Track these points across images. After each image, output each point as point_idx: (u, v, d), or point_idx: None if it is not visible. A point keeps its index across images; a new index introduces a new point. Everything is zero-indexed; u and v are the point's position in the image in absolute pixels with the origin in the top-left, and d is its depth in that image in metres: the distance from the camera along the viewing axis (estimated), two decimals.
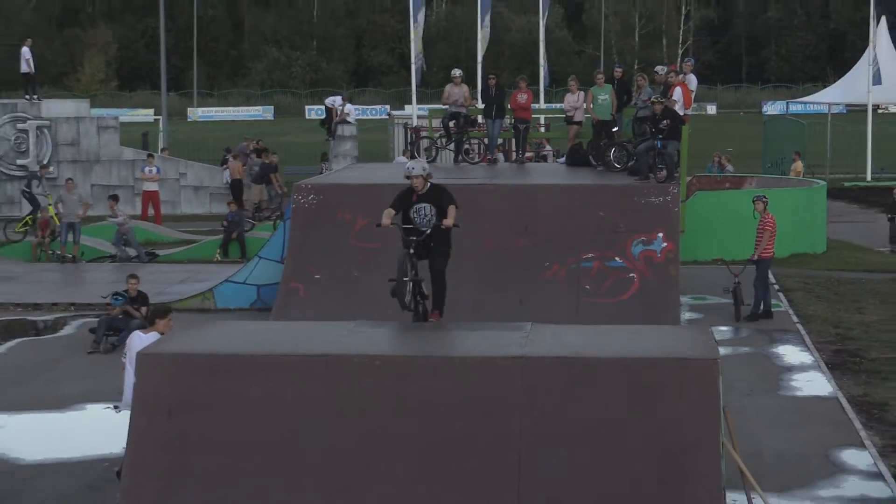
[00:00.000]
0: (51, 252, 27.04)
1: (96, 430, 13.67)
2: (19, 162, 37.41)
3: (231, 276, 21.88)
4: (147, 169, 34.24)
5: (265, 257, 21.27)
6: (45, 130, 38.01)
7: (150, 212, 33.30)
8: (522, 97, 24.77)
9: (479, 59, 46.73)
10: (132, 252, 26.99)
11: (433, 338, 11.38)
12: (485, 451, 9.19)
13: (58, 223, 27.29)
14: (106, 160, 38.23)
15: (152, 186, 33.79)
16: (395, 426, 9.43)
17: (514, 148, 27.70)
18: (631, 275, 18.45)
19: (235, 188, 33.51)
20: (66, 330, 20.43)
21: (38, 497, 12.06)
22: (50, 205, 28.53)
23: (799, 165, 33.75)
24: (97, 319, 19.15)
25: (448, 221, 10.77)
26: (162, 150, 42.56)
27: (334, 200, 20.26)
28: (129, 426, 9.52)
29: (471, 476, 9.11)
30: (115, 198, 28.65)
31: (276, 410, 9.49)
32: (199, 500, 9.40)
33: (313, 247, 19.58)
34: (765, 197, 20.58)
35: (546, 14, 54.05)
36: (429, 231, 10.83)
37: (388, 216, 10.86)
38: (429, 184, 10.86)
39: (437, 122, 27.01)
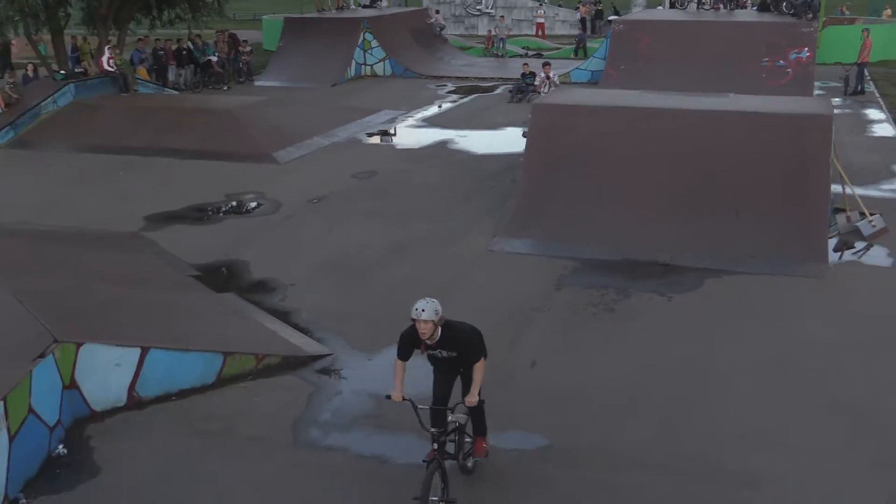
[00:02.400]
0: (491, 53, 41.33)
1: (511, 141, 20.75)
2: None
3: (578, 66, 33.78)
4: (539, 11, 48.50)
5: (596, 56, 33.20)
6: None
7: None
8: None
9: None
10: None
11: (686, 101, 16.71)
12: (700, 159, 14.80)
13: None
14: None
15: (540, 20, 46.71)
16: (658, 147, 15.03)
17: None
18: (788, 70, 27.94)
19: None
20: (497, 91, 30.95)
21: (488, 168, 19.46)
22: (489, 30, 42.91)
23: (888, 11, 42.77)
24: (511, 86, 30.00)
25: (471, 399, 7.59)
26: None
27: (633, 29, 32.02)
28: (528, 138, 16.38)
29: (684, 178, 14.74)
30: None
31: (601, 138, 15.43)
32: (563, 179, 15.30)
33: (621, 51, 30.68)
34: (867, 28, 31.58)
35: None
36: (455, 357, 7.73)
37: (398, 387, 7.65)
38: (439, 329, 7.45)
39: None
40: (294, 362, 10.54)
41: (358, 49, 35.02)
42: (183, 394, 9.78)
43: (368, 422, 9.28)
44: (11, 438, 8.12)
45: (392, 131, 24.69)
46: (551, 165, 15.57)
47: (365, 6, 42.16)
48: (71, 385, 9.28)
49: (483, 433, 8.28)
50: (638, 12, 43.69)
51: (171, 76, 31.51)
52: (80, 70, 27.97)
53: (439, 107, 28.30)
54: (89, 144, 22.22)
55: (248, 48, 35.63)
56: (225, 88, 32.17)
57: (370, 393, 9.82)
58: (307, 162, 20.76)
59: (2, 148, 22.89)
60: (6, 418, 8.06)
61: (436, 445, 7.59)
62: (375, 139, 23.74)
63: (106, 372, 9.52)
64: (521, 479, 8.21)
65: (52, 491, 8.19)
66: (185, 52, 32.42)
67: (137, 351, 9.66)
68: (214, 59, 33.22)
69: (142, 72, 29.46)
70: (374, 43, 35.37)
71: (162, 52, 31.60)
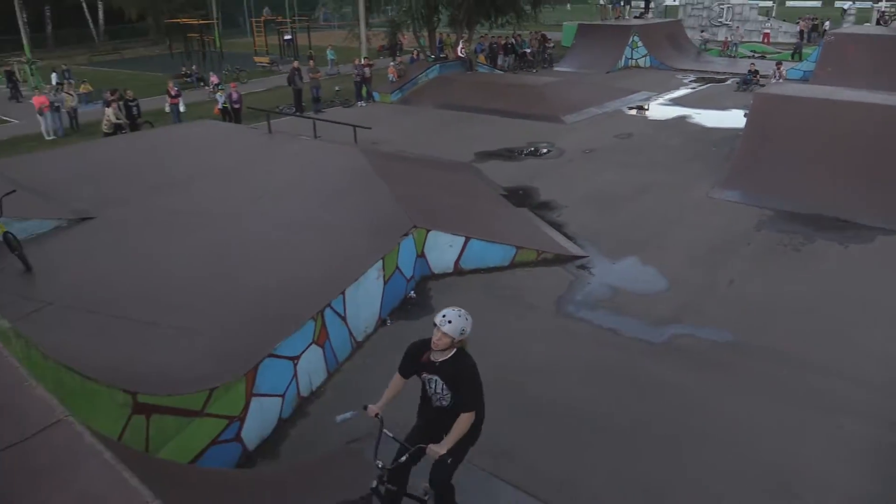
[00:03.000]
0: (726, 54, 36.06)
1: (734, 119, 19.01)
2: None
3: (794, 67, 29.26)
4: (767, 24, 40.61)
5: (809, 60, 29.02)
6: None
7: None
8: None
9: None
10: None
11: (874, 97, 14.14)
12: (882, 143, 12.74)
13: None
14: None
15: (767, 31, 40.76)
16: (849, 130, 13.14)
17: None
18: None
19: None
20: (728, 82, 28.06)
21: (714, 137, 17.68)
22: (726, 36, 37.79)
23: None
24: (739, 79, 26.75)
25: (438, 448, 4.54)
26: None
27: (842, 40, 27.32)
28: (748, 117, 14.79)
29: (867, 156, 12.74)
30: None
31: (805, 120, 13.68)
32: (771, 148, 13.70)
33: (830, 56, 26.53)
34: None
35: None
36: (445, 406, 4.76)
37: (381, 401, 4.84)
38: (453, 351, 4.68)
39: None
40: (562, 258, 10.50)
41: (627, 47, 33.50)
42: (489, 270, 10.08)
43: (607, 305, 9.13)
44: (385, 283, 8.80)
45: (646, 106, 23.51)
46: (763, 138, 14.18)
47: (636, 17, 40.12)
48: (421, 255, 9.83)
49: None
50: (847, 27, 38.27)
51: (499, 61, 31.79)
52: (442, 55, 28.84)
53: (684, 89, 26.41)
54: (445, 103, 22.95)
55: (552, 44, 35.24)
56: (534, 71, 32.07)
57: (609, 286, 9.65)
58: (584, 124, 20.27)
59: (394, 103, 24.30)
60: (383, 269, 8.74)
61: (374, 483, 4.75)
62: (633, 111, 22.71)
63: (442, 249, 9.98)
64: (710, 363, 7.80)
65: (404, 318, 8.83)
66: (509, 45, 32.60)
67: (462, 239, 10.04)
68: (528, 50, 33.24)
69: (481, 58, 29.97)
70: (639, 43, 33.65)
71: (495, 45, 32.02)
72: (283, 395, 6.83)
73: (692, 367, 7.67)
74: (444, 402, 4.76)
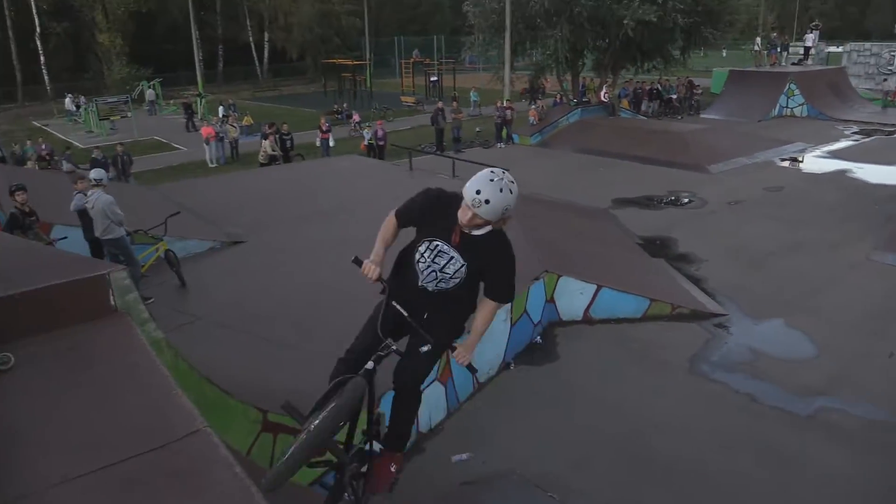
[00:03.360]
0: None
1: None
2: None
3: None
4: None
5: None
6: None
7: None
8: None
9: None
10: None
11: None
12: None
13: None
14: None
15: None
16: None
17: None
18: None
19: None
20: None
21: (877, 195, 16.10)
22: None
23: None
24: None
25: (464, 354, 3.68)
26: None
27: None
28: None
29: None
30: None
31: None
32: None
33: None
34: None
35: None
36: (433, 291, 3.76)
37: (378, 253, 3.81)
38: (489, 228, 3.57)
39: None
40: (698, 315, 9.99)
41: (782, 95, 31.80)
42: (619, 321, 9.77)
43: (746, 369, 8.56)
44: (511, 326, 8.77)
45: (800, 158, 22.11)
46: None
47: (794, 63, 37.99)
48: (550, 300, 9.72)
49: (396, 444, 4.10)
50: None
51: (643, 107, 31.23)
52: (585, 100, 28.79)
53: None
54: (585, 148, 22.75)
55: (700, 90, 34.14)
56: (679, 118, 31.18)
57: (750, 348, 9.05)
58: (731, 174, 19.37)
59: (533, 146, 24.48)
60: (511, 311, 8.72)
61: (371, 365, 3.83)
62: (786, 163, 21.44)
63: (572, 296, 9.81)
64: (864, 443, 7.07)
65: (529, 363, 8.73)
66: (654, 91, 31.96)
67: (594, 287, 9.84)
68: (674, 96, 32.41)
69: (624, 103, 29.59)
70: (796, 91, 31.79)
71: (639, 90, 31.51)
72: None
73: (841, 445, 7.00)
74: (444, 285, 3.70)
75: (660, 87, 32.38)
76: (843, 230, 13.84)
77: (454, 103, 26.26)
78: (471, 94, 35.09)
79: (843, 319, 9.82)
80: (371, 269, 3.70)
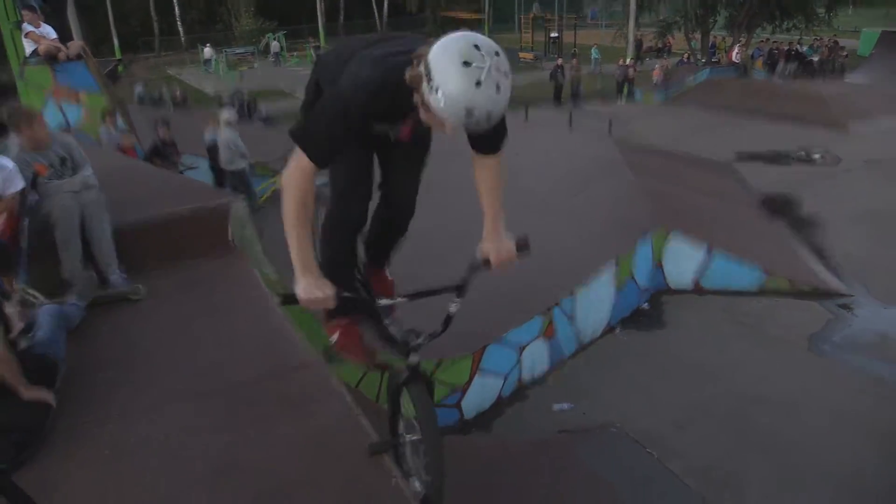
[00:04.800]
0: None
1: None
2: None
3: None
4: None
5: None
6: None
7: None
8: None
9: None
10: None
11: None
12: None
13: None
14: None
15: None
16: None
17: None
18: None
19: None
20: None
21: None
22: None
23: None
24: None
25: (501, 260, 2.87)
26: None
27: None
28: None
29: None
30: None
31: None
32: None
33: None
34: None
35: None
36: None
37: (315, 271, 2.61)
38: None
39: None
40: (819, 292, 9.42)
41: None
42: (731, 293, 9.38)
43: (873, 352, 8.04)
44: (617, 290, 8.66)
45: None
46: None
47: None
48: (658, 265, 9.48)
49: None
50: None
51: (778, 68, 29.26)
52: (715, 60, 27.35)
53: None
54: (712, 106, 21.76)
55: (845, 52, 31.52)
56: (820, 81, 29.03)
57: (879, 332, 8.47)
58: (872, 134, 17.70)
59: (656, 104, 23.66)
60: (617, 274, 8.60)
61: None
62: None
63: (681, 261, 9.48)
64: None
65: (635, 328, 8.62)
66: (793, 52, 29.83)
67: (704, 249, 9.43)
68: (815, 58, 30.13)
69: (758, 63, 27.87)
70: None
71: (775, 51, 29.51)
72: (505, 377, 7.16)
73: None
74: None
75: (799, 48, 30.13)
76: None
77: (574, 60, 25.59)
78: (591, 51, 34.05)
79: None
80: (326, 293, 2.57)
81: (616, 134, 15.54)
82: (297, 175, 2.51)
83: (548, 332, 7.55)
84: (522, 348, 7.26)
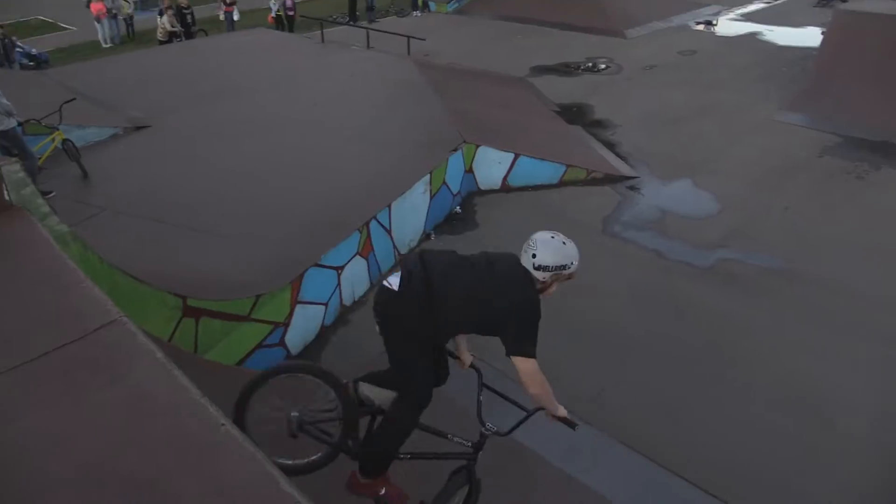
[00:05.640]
0: None
1: (809, 37, 18.29)
2: None
3: None
4: None
5: None
6: None
7: None
8: None
9: None
10: None
11: None
12: None
13: None
14: None
15: None
16: None
17: None
18: None
19: None
20: None
21: (785, 56, 16.75)
22: None
23: None
24: None
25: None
26: None
27: None
28: (825, 36, 14.25)
29: None
30: None
31: (890, 42, 12.80)
32: (846, 71, 12.93)
33: None
34: None
35: None
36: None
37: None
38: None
39: None
40: (612, 178, 10.32)
41: None
42: (536, 188, 9.99)
43: (654, 227, 9.01)
44: (431, 197, 8.84)
45: (714, 21, 22.23)
46: (839, 59, 13.33)
47: None
48: (469, 170, 9.79)
49: (372, 468, 3.57)
50: None
51: None
52: None
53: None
54: (503, 15, 22.11)
55: None
56: None
57: (659, 207, 9.48)
58: (646, 39, 19.35)
59: (449, 14, 23.58)
60: (430, 184, 8.76)
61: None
62: (701, 27, 21.52)
63: (490, 165, 9.91)
64: (756, 288, 7.69)
65: (448, 233, 8.90)
66: None
67: (511, 155, 9.93)
68: None
69: None
70: None
71: None
72: (326, 304, 7.06)
73: (736, 292, 7.58)
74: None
75: None
76: (750, 93, 14.24)
77: None
78: None
79: (745, 178, 10.32)
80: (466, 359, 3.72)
81: (415, 52, 15.42)
82: (539, 375, 3.22)
83: (365, 249, 7.56)
84: (341, 269, 7.20)
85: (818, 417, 5.89)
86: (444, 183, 9.13)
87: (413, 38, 15.64)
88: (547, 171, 10.09)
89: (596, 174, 10.28)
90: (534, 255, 3.32)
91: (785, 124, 12.46)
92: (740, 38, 19.53)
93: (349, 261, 7.31)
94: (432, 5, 24.15)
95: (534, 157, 10.02)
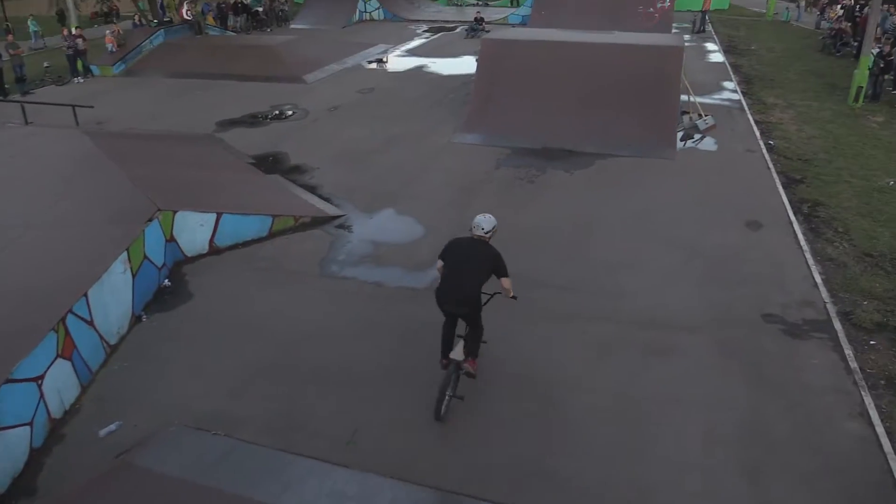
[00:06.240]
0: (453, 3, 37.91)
1: (467, 65, 20.67)
2: None
3: (513, 12, 32.22)
4: None
5: (525, 5, 31.02)
6: None
7: None
8: None
9: None
10: None
11: (585, 36, 16.20)
12: (594, 77, 14.24)
13: None
14: None
15: None
16: (566, 69, 14.64)
17: None
18: (655, 14, 26.48)
19: None
20: (457, 30, 29.66)
21: (450, 85, 18.92)
22: None
23: None
24: (467, 26, 28.39)
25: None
26: None
27: None
28: (478, 63, 15.96)
29: (584, 90, 14.18)
30: None
31: (528, 62, 14.95)
32: (502, 91, 14.91)
33: (542, 3, 28.40)
34: None
35: None
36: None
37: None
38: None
39: None
40: (320, 220, 10.45)
41: (360, 1, 33.79)
42: (246, 243, 9.71)
43: (370, 260, 9.31)
44: (134, 276, 8.09)
45: (385, 59, 23.88)
46: (493, 82, 15.20)
47: None
48: (171, 239, 9.17)
49: (475, 353, 6.43)
50: None
51: (230, 22, 30.14)
52: (167, 19, 26.58)
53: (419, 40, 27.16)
54: (176, 72, 21.22)
55: (284, 0, 34.16)
56: (268, 30, 30.93)
57: (370, 240, 9.83)
58: (326, 82, 20.08)
59: (117, 76, 21.95)
60: (129, 262, 8.02)
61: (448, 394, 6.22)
62: (373, 65, 22.96)
63: (194, 230, 9.40)
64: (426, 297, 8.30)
65: (161, 310, 8.22)
66: (239, 5, 31.01)
67: (214, 215, 9.54)
68: (261, 9, 31.95)
69: (210, 19, 28.09)
70: None
71: (223, 4, 30.28)
72: (30, 423, 6.05)
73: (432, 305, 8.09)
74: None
75: (244, 0, 31.48)
76: (428, 120, 15.54)
77: (9, 37, 22.04)
78: (29, 23, 29.73)
79: (439, 198, 11.19)
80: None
81: (84, 121, 14.08)
82: (510, 282, 6.15)
83: (66, 349, 6.64)
84: (41, 379, 6.22)
85: (551, 404, 6.54)
86: (146, 257, 8.43)
87: (79, 106, 14.29)
88: (254, 225, 9.89)
89: (304, 219, 10.33)
90: (482, 229, 6.20)
91: (463, 145, 13.81)
92: (410, 73, 21.25)
93: (49, 366, 6.36)
94: (95, 69, 22.25)
95: (238, 213, 9.76)
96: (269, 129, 15.48)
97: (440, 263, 6.27)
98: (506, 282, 6.13)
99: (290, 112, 16.83)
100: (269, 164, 13.00)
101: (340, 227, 10.31)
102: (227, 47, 23.25)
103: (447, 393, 6.21)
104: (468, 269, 6.05)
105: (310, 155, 13.37)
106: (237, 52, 22.18)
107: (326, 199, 11.24)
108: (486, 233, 6.19)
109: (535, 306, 7.97)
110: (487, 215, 6.29)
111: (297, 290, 8.55)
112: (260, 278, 8.82)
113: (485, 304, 6.29)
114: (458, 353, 6.35)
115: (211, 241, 9.52)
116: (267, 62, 20.88)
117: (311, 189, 11.69)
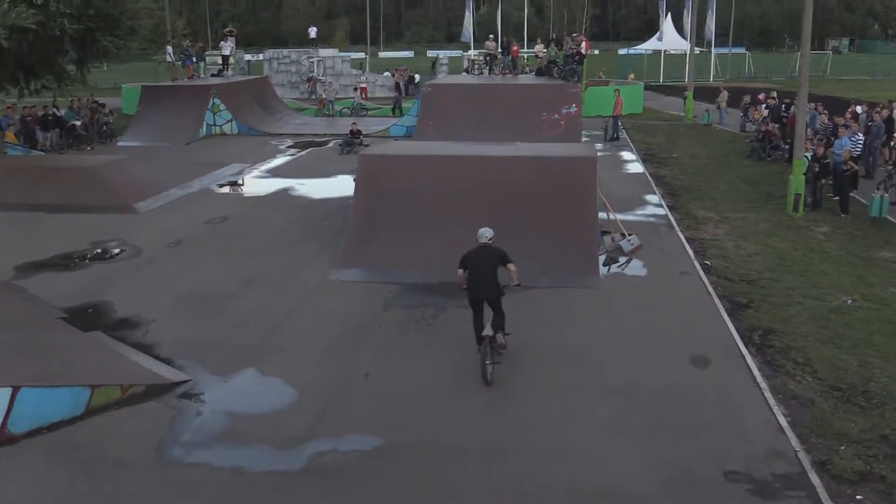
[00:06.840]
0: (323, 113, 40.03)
1: (342, 186, 20.75)
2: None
3: (396, 123, 33.70)
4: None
5: (410, 114, 33.09)
6: None
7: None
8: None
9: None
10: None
11: (482, 149, 17.37)
12: (496, 196, 14.85)
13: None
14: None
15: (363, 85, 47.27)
16: (462, 187, 15.22)
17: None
18: (561, 122, 28.76)
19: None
20: (330, 145, 30.78)
21: (323, 210, 19.49)
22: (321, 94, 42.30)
23: (632, 75, 46.36)
24: (341, 140, 29.40)
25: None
26: None
27: (439, 91, 32.42)
28: (355, 183, 16.35)
29: (485, 211, 14.30)
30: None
31: (416, 181, 15.52)
32: (386, 216, 15.21)
33: (430, 109, 30.69)
34: (618, 89, 34.82)
35: None
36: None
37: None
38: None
39: None
40: (157, 389, 9.93)
41: (208, 112, 34.42)
42: (54, 427, 8.99)
43: (226, 437, 8.85)
44: None
45: (240, 181, 24.15)
46: (376, 205, 15.56)
47: (213, 75, 41.26)
48: None
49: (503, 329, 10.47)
50: (442, 77, 45.01)
51: (39, 139, 29.81)
52: None
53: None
54: None
55: (109, 112, 34.21)
56: (89, 149, 30.72)
57: (227, 411, 9.40)
58: (165, 211, 19.95)
59: None
60: None
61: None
62: (226, 189, 23.14)
63: None
64: (358, 477, 8.00)
65: None
66: (50, 118, 30.81)
67: (8, 391, 8.84)
68: (78, 122, 31.77)
69: (10, 136, 27.72)
70: (222, 106, 34.71)
71: (29, 118, 30.01)
72: None
73: (339, 488, 7.76)
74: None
75: (56, 112, 31.26)
76: (297, 254, 15.63)
77: None
78: None
79: (315, 352, 11.03)
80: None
81: None
82: (515, 266, 10.40)
83: None
84: None
85: None
86: None
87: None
88: (65, 401, 9.23)
89: (135, 388, 9.81)
90: (486, 237, 10.34)
91: (342, 283, 13.87)
92: (273, 196, 21.60)
93: None
94: None
95: (42, 386, 9.11)
96: (88, 272, 14.99)
97: (461, 271, 10.20)
98: (512, 267, 10.11)
99: (116, 250, 16.47)
100: (88, 317, 12.48)
101: (185, 396, 9.83)
102: (32, 170, 22.73)
103: (486, 361, 9.77)
104: (486, 268, 10.10)
105: (143, 304, 12.96)
106: (47, 176, 21.70)
107: (166, 361, 10.78)
108: (490, 239, 10.25)
109: (444, 484, 7.73)
110: (488, 228, 10.41)
111: (123, 488, 7.91)
112: (72, 474, 8.13)
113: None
114: (488, 329, 9.92)
115: (3, 426, 8.74)
116: (86, 188, 20.52)
117: (145, 349, 11.22)
